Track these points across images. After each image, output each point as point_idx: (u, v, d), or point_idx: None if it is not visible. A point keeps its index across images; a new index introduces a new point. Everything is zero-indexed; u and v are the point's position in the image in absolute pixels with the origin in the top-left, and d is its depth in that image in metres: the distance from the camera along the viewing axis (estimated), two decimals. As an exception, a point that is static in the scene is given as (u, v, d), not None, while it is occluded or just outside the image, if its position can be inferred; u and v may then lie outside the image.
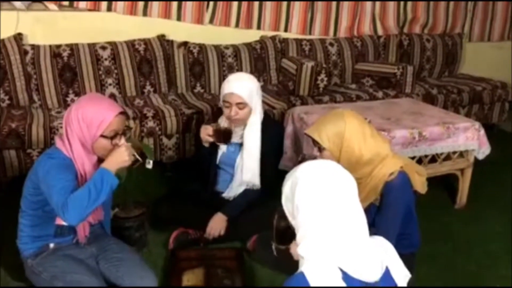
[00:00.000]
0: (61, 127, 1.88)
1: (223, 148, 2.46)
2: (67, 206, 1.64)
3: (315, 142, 1.92)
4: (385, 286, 1.28)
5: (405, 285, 1.32)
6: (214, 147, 2.43)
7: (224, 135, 2.32)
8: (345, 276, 1.22)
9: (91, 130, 1.77)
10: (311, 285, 1.19)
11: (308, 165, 1.34)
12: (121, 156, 1.75)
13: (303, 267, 1.24)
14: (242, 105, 2.32)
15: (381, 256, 1.28)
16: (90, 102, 1.81)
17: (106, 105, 1.82)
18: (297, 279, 1.24)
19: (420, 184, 1.95)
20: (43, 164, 1.77)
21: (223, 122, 2.42)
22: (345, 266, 1.23)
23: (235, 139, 2.41)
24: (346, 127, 1.84)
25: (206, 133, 2.35)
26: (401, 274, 1.32)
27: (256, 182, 2.41)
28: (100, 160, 1.83)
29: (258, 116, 2.41)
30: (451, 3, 4.55)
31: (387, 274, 1.27)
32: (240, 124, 2.39)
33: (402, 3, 4.35)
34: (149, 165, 1.90)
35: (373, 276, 1.23)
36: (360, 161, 1.86)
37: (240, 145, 2.43)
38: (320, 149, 1.89)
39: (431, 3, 4.45)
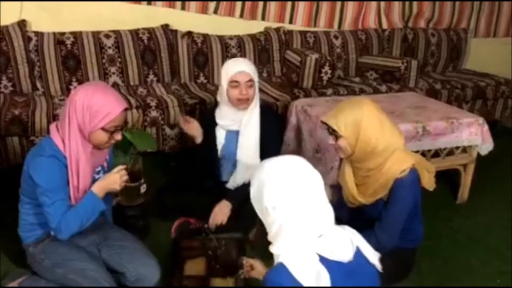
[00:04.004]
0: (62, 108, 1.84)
1: (221, 140, 2.45)
2: (61, 230, 1.75)
3: (330, 130, 1.91)
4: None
5: (377, 261, 1.40)
6: (210, 140, 2.43)
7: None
8: (322, 259, 1.29)
9: (93, 120, 1.74)
10: (292, 272, 1.26)
11: (273, 165, 1.36)
12: (113, 184, 1.81)
13: (281, 258, 1.30)
14: (251, 82, 2.33)
15: (350, 236, 1.37)
16: (100, 92, 1.77)
17: (114, 98, 1.79)
18: (278, 269, 1.29)
19: (428, 181, 1.95)
20: (34, 161, 1.76)
21: (224, 112, 2.41)
22: (320, 250, 1.30)
23: (234, 126, 2.41)
24: (364, 115, 1.82)
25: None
26: (371, 252, 1.40)
27: (256, 163, 2.38)
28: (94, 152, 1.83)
29: (258, 102, 2.42)
30: (457, -2, 4.53)
31: (358, 253, 1.36)
32: (246, 108, 2.38)
33: (408, -4, 4.33)
34: (144, 189, 1.94)
35: (347, 256, 1.32)
36: (375, 150, 1.85)
37: (237, 132, 2.41)
38: (337, 137, 1.88)
39: (437, -3, 4.44)
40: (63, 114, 1.78)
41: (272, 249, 1.35)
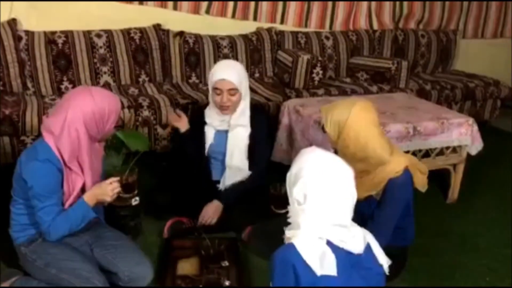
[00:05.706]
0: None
1: (210, 139, 2.45)
2: (49, 233, 1.77)
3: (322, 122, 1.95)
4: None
5: (385, 263, 1.43)
6: (195, 137, 2.44)
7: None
8: (331, 246, 1.33)
9: (108, 122, 1.80)
10: (299, 251, 1.31)
11: (319, 160, 1.38)
12: (104, 195, 1.82)
13: (293, 239, 1.35)
14: (233, 91, 2.31)
15: (364, 232, 1.41)
16: (98, 94, 1.79)
17: (109, 94, 1.85)
18: (287, 247, 1.34)
19: (421, 183, 1.98)
20: (28, 165, 1.74)
21: (212, 113, 2.42)
22: (331, 237, 1.34)
23: (223, 126, 2.41)
24: (348, 118, 1.83)
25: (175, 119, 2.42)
26: (381, 253, 1.44)
27: (243, 167, 2.42)
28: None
29: (247, 103, 2.41)
30: (447, -1, 4.57)
31: (369, 250, 1.40)
32: (230, 112, 2.38)
33: (398, -2, 4.37)
34: (136, 202, 1.95)
35: (357, 248, 1.36)
36: (354, 157, 1.86)
37: (227, 132, 2.42)
38: (323, 129, 1.93)
39: (427, -1, 4.48)
40: (65, 130, 1.74)
41: (288, 233, 1.39)
